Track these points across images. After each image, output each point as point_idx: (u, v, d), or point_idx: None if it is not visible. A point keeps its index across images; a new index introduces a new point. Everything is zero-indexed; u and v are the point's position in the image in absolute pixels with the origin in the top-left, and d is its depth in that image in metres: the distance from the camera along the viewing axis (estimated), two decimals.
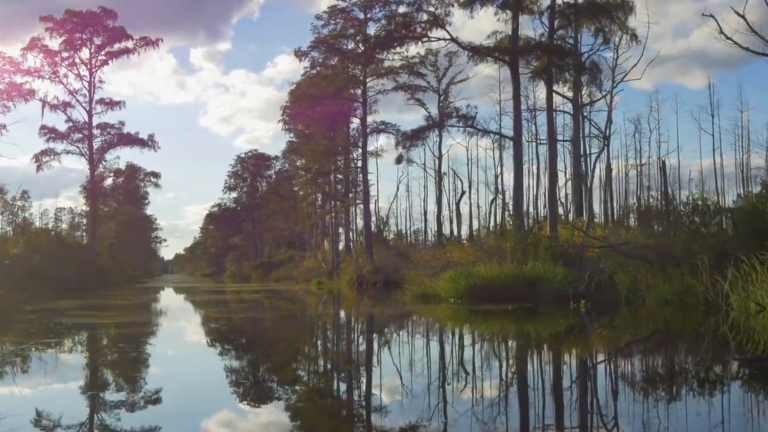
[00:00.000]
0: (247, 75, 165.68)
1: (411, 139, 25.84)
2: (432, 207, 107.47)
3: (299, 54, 45.57)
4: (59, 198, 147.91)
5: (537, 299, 18.76)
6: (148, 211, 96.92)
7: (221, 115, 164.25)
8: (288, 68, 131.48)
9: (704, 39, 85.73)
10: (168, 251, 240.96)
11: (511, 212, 25.90)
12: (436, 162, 49.05)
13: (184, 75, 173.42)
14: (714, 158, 43.94)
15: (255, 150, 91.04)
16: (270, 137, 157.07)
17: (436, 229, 48.85)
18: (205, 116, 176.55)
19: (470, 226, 54.31)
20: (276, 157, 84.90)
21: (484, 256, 21.58)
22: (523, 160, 27.83)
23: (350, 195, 52.62)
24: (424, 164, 55.48)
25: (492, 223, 50.86)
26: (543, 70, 23.07)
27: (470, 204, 54.86)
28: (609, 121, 34.08)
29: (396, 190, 59.70)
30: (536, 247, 21.52)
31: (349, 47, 44.85)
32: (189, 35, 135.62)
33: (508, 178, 66.88)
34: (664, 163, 35.75)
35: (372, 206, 47.10)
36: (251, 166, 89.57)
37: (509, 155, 58.27)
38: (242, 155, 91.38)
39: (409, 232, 63.46)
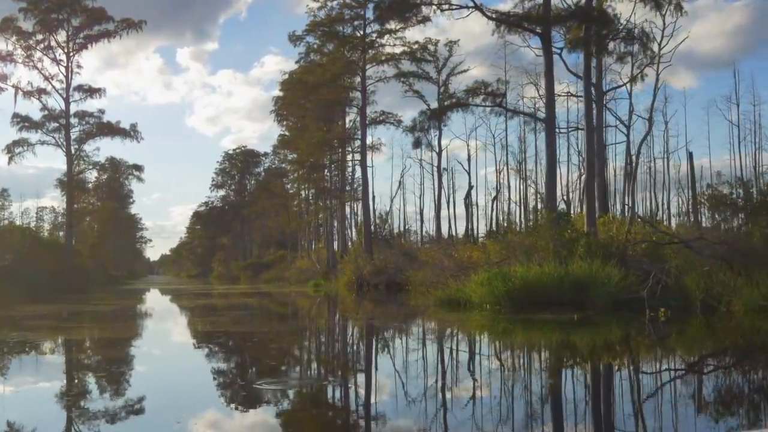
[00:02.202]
0: (234, 75, 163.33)
1: (431, 119, 22.73)
2: (428, 205, 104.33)
3: (294, 39, 42.55)
4: (44, 199, 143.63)
5: (589, 305, 15.77)
6: (133, 210, 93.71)
7: (208, 115, 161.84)
8: (275, 68, 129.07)
9: (692, 40, 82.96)
10: (154, 252, 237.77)
11: (544, 202, 22.83)
12: (436, 158, 45.93)
13: (171, 75, 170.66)
14: (739, 151, 41.09)
15: (244, 146, 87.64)
16: (257, 137, 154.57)
17: (435, 227, 45.64)
18: (192, 116, 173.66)
19: (471, 223, 51.03)
20: (265, 154, 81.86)
21: (520, 254, 18.50)
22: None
23: (346, 191, 49.53)
24: (421, 160, 52.41)
25: (493, 222, 47.82)
26: (581, 41, 20.03)
27: (470, 201, 51.59)
28: (636, 104, 31.17)
29: (397, 186, 56.29)
30: (574, 244, 18.49)
31: (347, 32, 41.77)
32: (176, 35, 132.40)
33: (512, 174, 63.48)
34: (691, 154, 33.08)
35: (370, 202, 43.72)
36: (239, 162, 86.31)
37: (510, 152, 55.44)
38: (230, 151, 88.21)
39: (404, 231, 60.20)
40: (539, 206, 45.66)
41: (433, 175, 48.07)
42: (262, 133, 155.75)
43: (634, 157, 24.79)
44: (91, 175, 67.80)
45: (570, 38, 20.53)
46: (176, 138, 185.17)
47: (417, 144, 28.18)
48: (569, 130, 39.51)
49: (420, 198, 55.60)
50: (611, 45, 20.39)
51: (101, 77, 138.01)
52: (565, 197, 44.47)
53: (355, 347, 11.95)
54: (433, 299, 18.90)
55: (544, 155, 21.96)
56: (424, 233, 52.74)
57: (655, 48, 22.30)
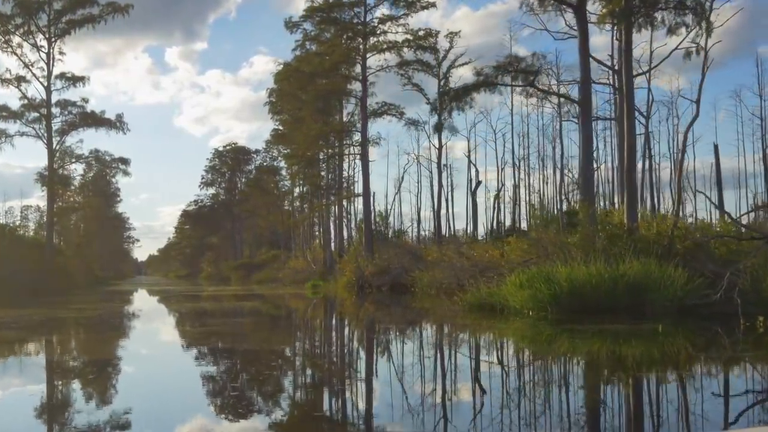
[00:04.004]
0: (223, 75, 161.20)
1: (454, 100, 20.38)
2: (425, 204, 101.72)
3: (290, 25, 40.21)
4: (30, 199, 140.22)
5: (648, 312, 13.51)
6: (120, 209, 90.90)
7: (196, 115, 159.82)
8: (264, 68, 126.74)
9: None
10: (142, 252, 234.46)
11: (580, 193, 20.56)
12: (434, 154, 43.38)
13: (159, 75, 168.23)
14: (762, 147, 39.01)
15: (234, 143, 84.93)
16: (246, 138, 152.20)
17: (435, 226, 43.16)
18: (180, 116, 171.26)
19: (472, 222, 48.61)
20: (257, 151, 79.19)
21: (557, 251, 16.21)
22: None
23: (343, 187, 47.11)
24: (418, 155, 49.92)
25: (494, 222, 45.39)
26: (623, 13, 17.75)
27: (475, 197, 49.13)
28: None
29: (399, 183, 53.67)
30: (617, 241, 16.23)
31: (346, 19, 39.39)
32: (164, 35, 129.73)
33: (515, 172, 61.26)
34: (716, 147, 31.17)
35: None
36: (230, 160, 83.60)
37: (507, 150, 53.09)
38: (220, 148, 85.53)
39: (401, 230, 57.75)
40: (546, 203, 43.70)
41: (431, 172, 45.86)
42: (250, 134, 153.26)
43: (681, 144, 22.64)
44: (76, 172, 65.28)
45: (609, 9, 18.21)
46: (164, 138, 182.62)
47: (438, 128, 25.66)
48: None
49: (417, 196, 52.98)
50: (659, 16, 18.10)
51: (90, 75, 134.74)
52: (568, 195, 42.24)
53: (400, 378, 8.52)
54: (461, 303, 16.45)
55: (579, 143, 19.72)
56: (421, 232, 50.52)
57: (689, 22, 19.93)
